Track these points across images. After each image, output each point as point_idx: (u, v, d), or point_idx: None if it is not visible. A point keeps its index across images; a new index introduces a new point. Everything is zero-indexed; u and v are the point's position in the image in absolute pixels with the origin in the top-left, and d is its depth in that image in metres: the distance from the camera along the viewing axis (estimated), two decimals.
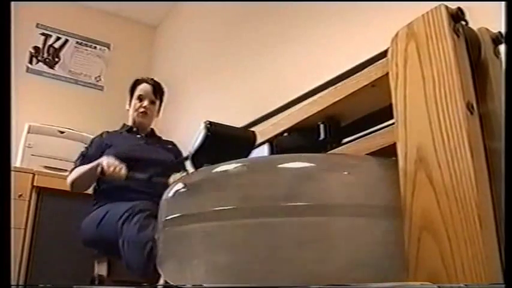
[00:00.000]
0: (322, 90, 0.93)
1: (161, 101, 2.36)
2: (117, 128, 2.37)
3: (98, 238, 1.92)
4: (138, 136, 2.29)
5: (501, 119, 0.67)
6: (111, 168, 1.90)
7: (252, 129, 1.07)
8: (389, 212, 0.70)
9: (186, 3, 3.81)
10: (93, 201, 2.13)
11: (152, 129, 2.36)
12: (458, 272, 0.59)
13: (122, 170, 1.92)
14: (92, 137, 3.00)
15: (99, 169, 1.93)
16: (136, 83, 2.32)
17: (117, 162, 1.94)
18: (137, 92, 2.29)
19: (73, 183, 2.11)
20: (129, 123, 2.32)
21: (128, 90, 2.33)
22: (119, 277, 1.96)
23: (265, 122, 1.10)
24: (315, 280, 0.65)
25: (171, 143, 2.39)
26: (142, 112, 2.26)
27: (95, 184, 2.15)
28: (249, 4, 2.83)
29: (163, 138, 2.40)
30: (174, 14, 4.05)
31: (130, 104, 2.32)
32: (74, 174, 2.12)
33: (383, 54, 0.78)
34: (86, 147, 2.27)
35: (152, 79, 2.34)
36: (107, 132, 2.30)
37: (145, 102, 2.26)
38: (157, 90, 2.31)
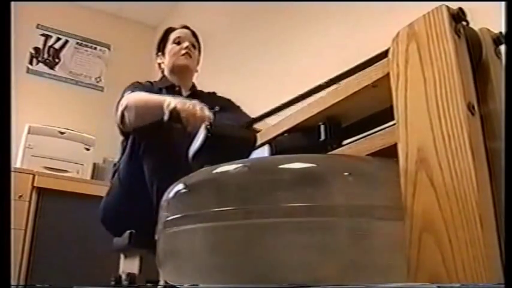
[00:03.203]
0: (322, 89, 0.93)
1: (200, 53, 1.98)
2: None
3: (126, 203, 1.52)
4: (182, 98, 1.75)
5: (502, 120, 0.67)
6: (190, 107, 1.37)
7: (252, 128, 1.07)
8: (389, 213, 0.70)
9: (186, 4, 3.81)
10: (113, 174, 1.70)
11: (194, 85, 1.96)
12: (459, 272, 0.59)
13: (205, 109, 1.40)
14: (93, 137, 2.98)
15: (166, 114, 1.35)
16: (169, 30, 1.96)
17: (195, 101, 1.42)
18: (173, 36, 1.91)
19: (137, 106, 1.52)
20: (167, 73, 1.90)
21: (157, 43, 1.98)
22: (151, 276, 1.48)
23: (265, 123, 1.10)
24: (315, 281, 0.65)
25: (215, 97, 1.92)
26: (184, 54, 1.86)
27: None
28: (249, 4, 2.83)
29: (205, 91, 1.96)
30: (174, 15, 4.05)
31: (163, 53, 1.92)
32: (135, 97, 1.56)
33: (383, 55, 0.78)
34: (134, 85, 1.75)
35: (187, 26, 1.98)
36: (149, 81, 1.87)
37: (186, 43, 1.88)
38: (197, 36, 1.96)
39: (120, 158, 1.65)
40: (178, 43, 1.90)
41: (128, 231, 1.51)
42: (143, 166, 1.44)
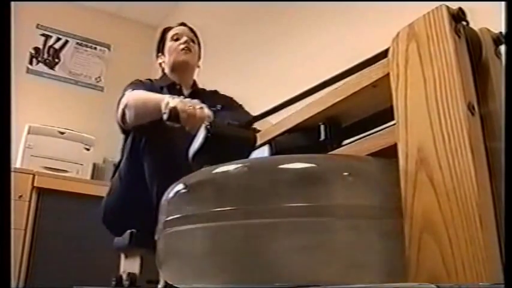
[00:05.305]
0: (321, 88, 0.93)
1: (200, 48, 1.94)
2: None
3: (126, 201, 1.51)
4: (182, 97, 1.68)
5: (502, 120, 0.67)
6: (187, 106, 1.34)
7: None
8: (389, 213, 0.70)
9: (186, 3, 3.81)
10: (113, 173, 1.69)
11: (195, 82, 1.91)
12: (459, 272, 0.59)
13: (205, 109, 1.38)
14: (93, 138, 2.97)
15: (165, 114, 1.33)
16: (167, 29, 1.93)
17: (195, 101, 1.39)
18: (171, 34, 1.88)
19: (136, 105, 1.52)
20: (167, 71, 1.87)
21: (156, 44, 1.96)
22: (152, 276, 1.50)
23: (266, 122, 1.10)
24: (315, 281, 0.65)
25: (218, 96, 1.88)
26: (184, 48, 1.82)
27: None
28: (249, 4, 2.83)
29: (207, 90, 1.92)
30: (174, 14, 4.05)
31: (163, 53, 1.89)
32: (134, 95, 1.55)
33: (383, 54, 0.78)
34: (135, 84, 1.73)
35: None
36: (150, 79, 1.85)
37: (185, 38, 1.84)
38: (195, 32, 1.93)
39: (121, 158, 1.64)
40: (177, 39, 1.86)
41: (129, 231, 1.49)
42: (143, 164, 1.43)
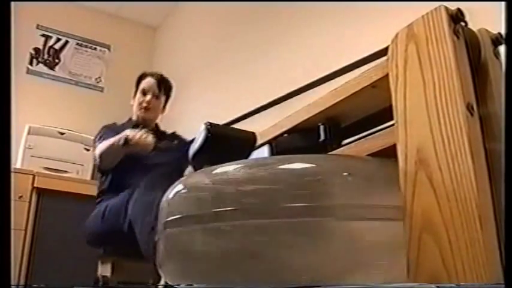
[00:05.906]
0: (322, 83, 0.93)
1: (167, 96, 2.27)
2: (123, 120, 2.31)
3: (104, 232, 1.85)
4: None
5: (501, 120, 0.67)
6: (137, 136, 1.81)
7: (248, 119, 1.08)
8: (389, 213, 0.70)
9: (186, 4, 3.81)
10: (96, 199, 2.08)
11: (157, 125, 2.28)
12: (459, 272, 0.59)
13: (149, 137, 1.83)
14: (93, 138, 2.98)
15: (122, 141, 1.81)
16: (142, 76, 2.25)
17: (142, 131, 1.85)
18: (141, 86, 2.21)
19: (101, 156, 1.96)
20: (134, 118, 2.24)
21: (134, 84, 2.26)
22: (123, 278, 1.92)
23: (265, 122, 1.10)
24: (315, 281, 0.65)
25: (175, 136, 2.29)
26: (144, 107, 2.17)
27: (98, 182, 2.10)
28: (248, 4, 2.83)
29: (168, 132, 2.31)
30: (174, 15, 4.05)
31: (134, 98, 2.23)
32: (101, 147, 1.97)
33: (383, 52, 0.78)
34: (101, 132, 2.15)
35: (158, 73, 2.27)
36: (115, 123, 2.25)
37: (148, 97, 2.17)
38: (162, 85, 2.22)
39: (101, 192, 2.04)
40: (145, 94, 2.18)
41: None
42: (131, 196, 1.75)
